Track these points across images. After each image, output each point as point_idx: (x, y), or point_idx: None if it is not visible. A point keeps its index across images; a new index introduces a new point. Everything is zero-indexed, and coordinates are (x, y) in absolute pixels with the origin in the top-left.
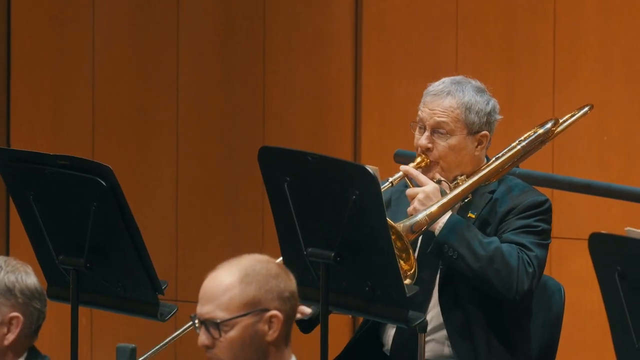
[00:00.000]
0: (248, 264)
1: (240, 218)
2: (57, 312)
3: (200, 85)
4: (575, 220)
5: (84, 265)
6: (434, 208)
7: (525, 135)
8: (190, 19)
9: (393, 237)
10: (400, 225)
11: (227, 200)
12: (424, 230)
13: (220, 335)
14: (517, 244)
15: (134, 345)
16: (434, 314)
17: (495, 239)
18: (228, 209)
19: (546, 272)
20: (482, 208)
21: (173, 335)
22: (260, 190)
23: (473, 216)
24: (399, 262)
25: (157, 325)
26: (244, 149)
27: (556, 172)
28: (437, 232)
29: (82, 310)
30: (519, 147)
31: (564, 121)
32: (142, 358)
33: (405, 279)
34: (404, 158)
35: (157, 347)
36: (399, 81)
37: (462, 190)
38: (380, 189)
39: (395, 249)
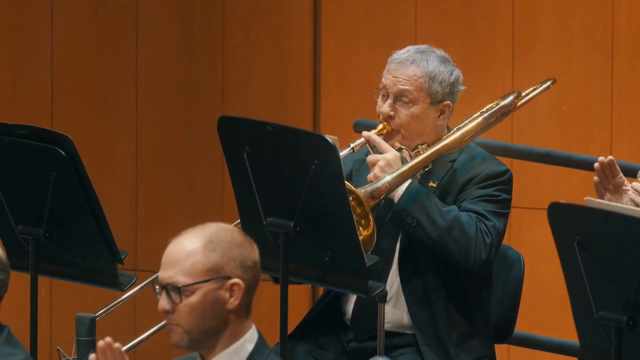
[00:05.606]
0: (212, 231)
1: (199, 188)
2: (17, 282)
3: (160, 56)
4: (535, 190)
5: (44, 235)
6: (394, 175)
7: (488, 106)
8: None
9: (353, 202)
10: (361, 191)
11: (187, 171)
12: (384, 197)
13: (181, 300)
14: (475, 213)
15: (93, 314)
16: (394, 283)
17: (454, 207)
18: (188, 179)
19: (506, 241)
20: (443, 177)
21: (133, 291)
22: (220, 161)
23: (434, 185)
24: (359, 228)
25: (116, 295)
26: (203, 119)
27: (515, 142)
28: (396, 199)
29: (42, 280)
30: (480, 118)
31: (527, 94)
32: (99, 312)
33: (365, 245)
34: (364, 128)
35: (114, 303)
36: (358, 51)
37: (423, 159)
38: (339, 159)
39: (355, 215)
